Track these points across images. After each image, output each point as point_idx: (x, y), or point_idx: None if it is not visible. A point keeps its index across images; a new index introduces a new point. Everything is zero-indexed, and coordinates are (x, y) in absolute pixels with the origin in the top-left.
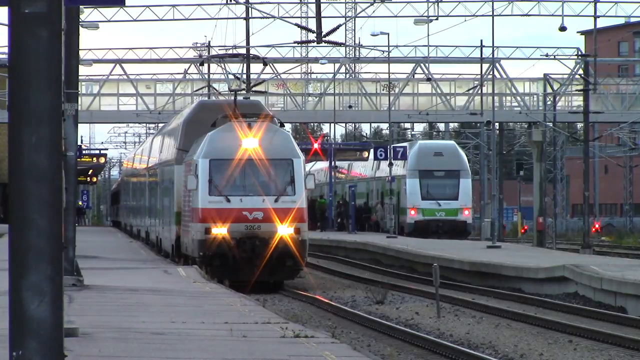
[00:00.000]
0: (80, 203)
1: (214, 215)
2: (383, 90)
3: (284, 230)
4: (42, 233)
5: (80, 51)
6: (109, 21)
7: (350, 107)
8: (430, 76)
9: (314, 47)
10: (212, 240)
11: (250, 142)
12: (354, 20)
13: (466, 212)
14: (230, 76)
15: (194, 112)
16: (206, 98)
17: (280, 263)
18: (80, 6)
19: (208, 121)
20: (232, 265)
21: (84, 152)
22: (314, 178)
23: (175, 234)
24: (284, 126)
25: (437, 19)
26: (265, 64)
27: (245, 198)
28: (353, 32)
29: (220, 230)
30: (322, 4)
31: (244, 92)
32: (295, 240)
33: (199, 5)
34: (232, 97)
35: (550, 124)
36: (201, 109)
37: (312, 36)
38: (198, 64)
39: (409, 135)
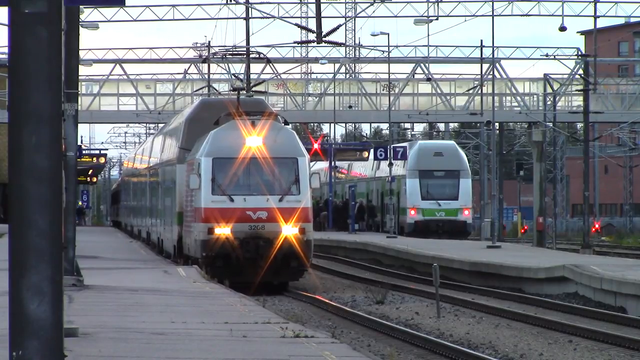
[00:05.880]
0: (80, 203)
1: (217, 215)
2: (383, 90)
3: (289, 230)
4: (42, 233)
5: (80, 51)
6: (109, 21)
7: (350, 107)
8: (430, 76)
9: (314, 47)
10: (215, 240)
11: (254, 140)
12: (354, 20)
13: (466, 212)
14: (229, 76)
15: (196, 110)
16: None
17: (285, 264)
18: (80, 6)
19: (211, 119)
20: (235, 266)
21: (84, 152)
22: (319, 177)
23: (177, 235)
24: (288, 124)
25: (437, 19)
26: (268, 61)
27: (249, 197)
28: (353, 32)
29: (223, 231)
30: (322, 4)
31: (244, 92)
32: (300, 241)
33: (199, 5)
34: (234, 96)
35: (550, 124)
36: (204, 107)
37: (312, 36)
38: (199, 63)
39: (409, 135)
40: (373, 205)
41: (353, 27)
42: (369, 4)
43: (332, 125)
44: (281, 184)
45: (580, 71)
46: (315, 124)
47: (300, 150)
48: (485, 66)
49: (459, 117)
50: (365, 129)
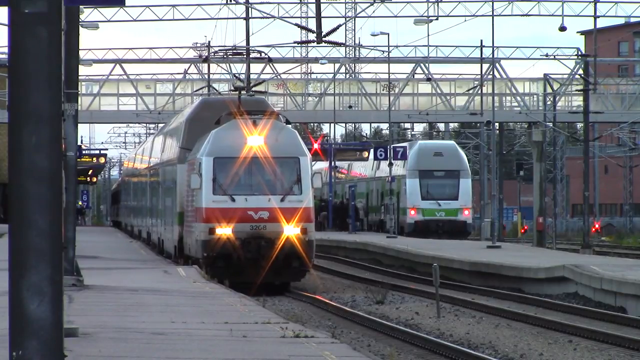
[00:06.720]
0: (80, 203)
1: (218, 215)
2: (383, 90)
3: (290, 231)
4: (42, 233)
5: (80, 51)
6: (109, 21)
7: (350, 107)
8: (430, 76)
9: (314, 47)
10: (217, 240)
11: (255, 139)
12: (354, 20)
13: (466, 212)
14: (231, 75)
15: (197, 109)
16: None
17: (287, 264)
18: (80, 6)
19: (211, 119)
20: (236, 267)
21: (84, 152)
22: (321, 177)
23: (178, 235)
24: (290, 124)
25: (437, 19)
26: (270, 60)
27: (250, 197)
28: (353, 32)
29: (224, 231)
30: (322, 4)
31: (243, 92)
32: (301, 241)
33: (199, 5)
34: (235, 95)
35: (550, 124)
36: (204, 106)
37: (312, 36)
38: (199, 63)
39: (409, 135)
40: (355, 206)
41: (353, 27)
42: (369, 4)
43: (332, 125)
44: (283, 183)
45: (580, 71)
46: (315, 124)
47: (302, 149)
48: (485, 66)
49: (459, 117)
50: (365, 129)
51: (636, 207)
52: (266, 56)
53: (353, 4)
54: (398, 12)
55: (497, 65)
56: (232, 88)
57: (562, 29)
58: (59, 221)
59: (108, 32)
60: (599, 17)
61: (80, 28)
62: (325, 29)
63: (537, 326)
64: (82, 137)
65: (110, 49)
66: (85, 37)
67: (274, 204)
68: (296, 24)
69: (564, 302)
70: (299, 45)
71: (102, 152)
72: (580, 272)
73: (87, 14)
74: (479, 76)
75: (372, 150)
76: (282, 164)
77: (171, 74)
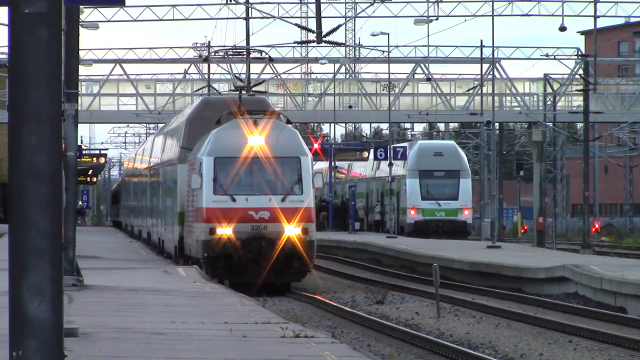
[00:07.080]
0: (80, 203)
1: (218, 215)
2: (383, 90)
3: (291, 231)
4: (42, 233)
5: (80, 51)
6: (109, 21)
7: (350, 107)
8: (430, 76)
9: (314, 47)
10: (217, 240)
11: (256, 139)
12: (354, 20)
13: (466, 212)
14: (231, 75)
15: (198, 109)
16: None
17: (287, 264)
18: (80, 6)
19: (212, 118)
20: (237, 267)
21: (84, 152)
22: (322, 177)
23: (179, 235)
24: (290, 123)
25: (437, 19)
26: (270, 60)
27: (251, 197)
28: (353, 32)
29: (225, 231)
30: (322, 4)
31: (244, 92)
32: (302, 241)
33: (199, 5)
34: (235, 95)
35: (550, 124)
36: (205, 106)
37: (312, 36)
38: (199, 63)
39: (409, 135)
40: (344, 206)
41: (353, 27)
42: (369, 4)
43: (332, 125)
44: (284, 183)
45: (580, 71)
46: (315, 124)
47: (303, 149)
48: (485, 66)
49: (459, 117)
50: (365, 129)
51: (636, 207)
52: (266, 56)
53: (353, 4)
54: (398, 12)
55: (497, 65)
56: (233, 88)
57: (562, 29)
58: (59, 221)
59: (108, 32)
60: (599, 17)
61: (80, 28)
62: (325, 29)
63: (537, 326)
64: (82, 137)
65: (110, 49)
66: (85, 37)
67: (275, 204)
68: (296, 24)
69: (564, 302)
70: (299, 45)
71: (102, 152)
72: (580, 272)
73: (87, 14)
74: (479, 76)
75: (372, 150)
76: (283, 164)
77: (171, 74)
